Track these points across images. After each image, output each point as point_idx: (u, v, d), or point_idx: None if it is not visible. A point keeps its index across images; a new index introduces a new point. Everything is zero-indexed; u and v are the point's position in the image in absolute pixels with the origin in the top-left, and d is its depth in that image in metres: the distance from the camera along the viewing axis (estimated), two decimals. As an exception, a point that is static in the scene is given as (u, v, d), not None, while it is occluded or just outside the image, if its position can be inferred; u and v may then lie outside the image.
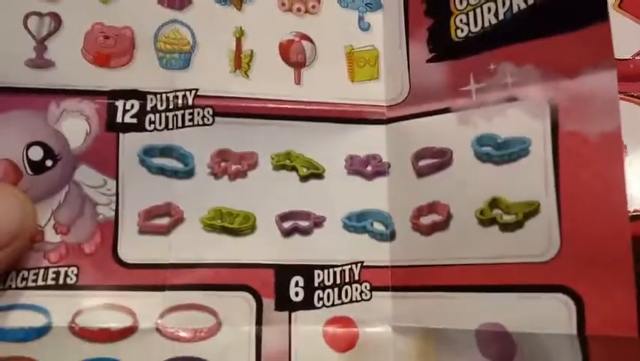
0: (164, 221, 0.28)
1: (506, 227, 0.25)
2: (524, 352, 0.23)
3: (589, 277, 0.22)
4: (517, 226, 0.24)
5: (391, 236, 0.29)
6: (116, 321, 0.26)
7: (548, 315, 0.22)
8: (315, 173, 0.29)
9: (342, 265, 0.28)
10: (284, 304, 0.27)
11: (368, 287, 0.28)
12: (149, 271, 0.27)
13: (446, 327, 0.25)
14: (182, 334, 0.26)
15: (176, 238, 0.28)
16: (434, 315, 0.26)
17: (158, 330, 0.26)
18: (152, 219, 0.28)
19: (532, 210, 0.24)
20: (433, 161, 0.27)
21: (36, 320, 0.26)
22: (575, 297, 0.22)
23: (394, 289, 0.28)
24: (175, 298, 0.27)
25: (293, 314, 0.27)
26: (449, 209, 0.27)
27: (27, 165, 0.27)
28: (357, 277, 0.28)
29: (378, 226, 0.29)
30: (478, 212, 0.25)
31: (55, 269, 0.26)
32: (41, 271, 0.26)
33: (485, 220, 0.25)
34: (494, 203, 0.25)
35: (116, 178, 0.28)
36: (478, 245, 0.25)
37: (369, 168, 0.29)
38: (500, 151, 0.25)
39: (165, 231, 0.28)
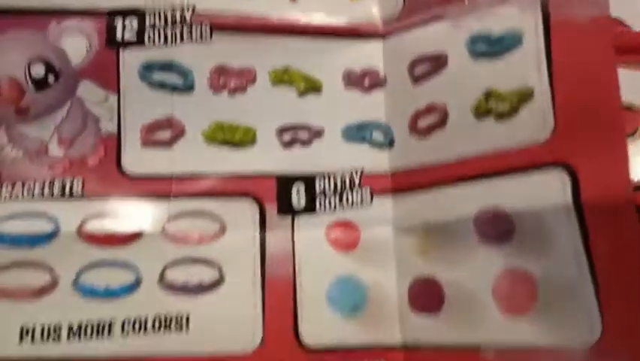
0: (166, 135, 0.28)
1: (501, 116, 0.25)
2: (522, 228, 0.24)
3: (582, 149, 0.23)
4: (512, 113, 0.25)
5: (390, 144, 0.29)
6: (123, 227, 0.27)
7: (545, 191, 0.23)
8: (313, 88, 0.30)
9: (342, 173, 0.29)
10: (286, 209, 0.28)
11: (369, 192, 0.29)
12: (154, 182, 0.27)
13: (445, 219, 0.26)
14: (188, 237, 0.27)
15: (178, 151, 0.28)
16: (434, 210, 0.26)
17: (164, 235, 0.27)
18: (154, 133, 0.28)
19: (526, 96, 0.25)
20: (428, 66, 0.28)
21: (44, 227, 0.26)
22: (570, 170, 0.23)
23: (395, 192, 0.28)
24: (180, 206, 0.27)
25: (295, 219, 0.28)
26: (446, 108, 0.27)
27: (30, 82, 0.27)
28: (357, 183, 0.29)
29: (377, 136, 0.29)
30: (474, 106, 0.26)
31: (61, 180, 0.27)
32: (47, 183, 0.27)
33: (481, 113, 0.26)
34: (489, 95, 0.26)
35: (118, 93, 0.28)
36: (475, 138, 0.26)
37: (366, 82, 0.30)
38: (494, 47, 0.26)
39: (167, 144, 0.28)
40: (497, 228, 0.24)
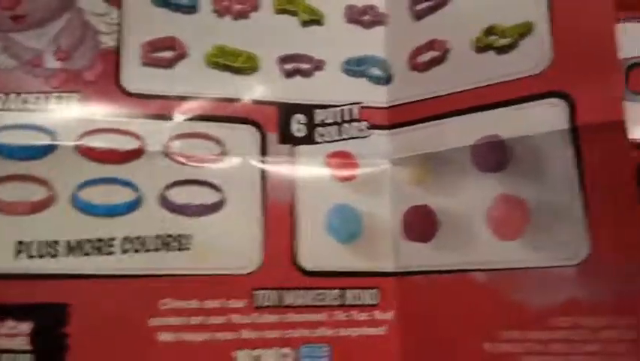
0: (168, 54, 0.28)
1: (502, 50, 0.26)
2: (517, 155, 0.25)
3: (579, 78, 0.24)
4: (512, 47, 0.26)
5: (388, 80, 0.30)
6: (123, 143, 0.26)
7: (541, 118, 0.24)
8: (315, 19, 0.30)
9: (341, 106, 0.29)
10: (287, 138, 0.28)
11: (366, 125, 0.29)
12: (154, 100, 0.27)
13: (443, 149, 0.27)
14: (190, 158, 0.27)
15: (179, 71, 0.28)
16: (431, 141, 0.27)
17: (165, 153, 0.27)
18: (155, 52, 0.28)
19: (525, 30, 0.26)
20: (430, 3, 0.29)
21: (41, 139, 0.25)
22: (567, 98, 0.24)
23: (392, 126, 0.29)
24: (181, 127, 0.27)
25: (296, 148, 0.28)
26: (446, 44, 0.28)
27: (25, -12, 0.26)
28: (356, 116, 0.29)
29: (376, 71, 0.30)
30: (475, 41, 0.27)
31: (58, 94, 0.26)
32: (43, 96, 0.26)
33: (482, 47, 0.27)
34: (490, 30, 0.27)
35: (120, 7, 0.27)
36: (475, 71, 0.27)
37: (366, 17, 0.30)
38: (496, -17, 0.27)
39: (168, 64, 0.28)
40: (493, 156, 0.26)
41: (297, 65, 0.29)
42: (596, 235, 0.23)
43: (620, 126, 0.23)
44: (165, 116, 0.27)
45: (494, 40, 0.27)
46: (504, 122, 0.26)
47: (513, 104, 0.26)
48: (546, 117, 0.24)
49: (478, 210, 0.26)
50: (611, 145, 0.23)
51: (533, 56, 0.25)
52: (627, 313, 0.22)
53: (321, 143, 0.29)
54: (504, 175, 0.26)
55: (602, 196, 0.23)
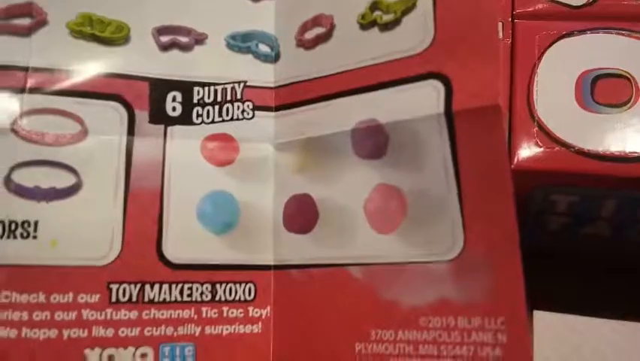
0: (25, 22, 0.25)
1: (385, 27, 0.24)
2: (396, 141, 0.23)
3: (458, 60, 0.22)
4: (395, 23, 0.24)
5: (276, 57, 0.28)
6: (-37, 119, 0.24)
7: (419, 101, 0.22)
8: (198, -11, 0.27)
9: (223, 84, 0.27)
10: (159, 117, 0.26)
11: (250, 106, 0.27)
12: (6, 72, 0.24)
13: (325, 133, 0.25)
14: (43, 137, 0.24)
15: (38, 40, 0.25)
16: (314, 125, 0.25)
17: (14, 131, 0.24)
18: (10, 19, 0.25)
19: (409, 5, 0.24)
20: (318, -24, 0.27)
21: None
22: (445, 80, 0.22)
23: (277, 108, 0.27)
24: (36, 101, 0.24)
25: (169, 128, 0.26)
26: (332, 20, 0.26)
27: None
28: (239, 96, 0.27)
29: (264, 48, 0.28)
30: (360, 17, 0.25)
31: None
32: None
33: (366, 24, 0.25)
34: (375, 5, 0.25)
35: (-35, -33, 0.25)
36: (359, 50, 0.25)
37: (255, -11, 0.28)
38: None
39: (25, 32, 0.25)
40: (372, 142, 0.23)
41: (174, 38, 0.27)
42: (469, 228, 0.21)
43: (494, 111, 0.21)
44: (18, 89, 0.24)
45: (378, 16, 0.24)
46: (383, 105, 0.23)
47: (393, 86, 0.23)
48: (424, 101, 0.22)
49: (356, 199, 0.24)
50: (485, 132, 0.21)
51: (415, 35, 0.23)
52: (499, 315, 0.21)
53: (198, 124, 0.26)
54: (383, 163, 0.24)
55: (476, 187, 0.21)
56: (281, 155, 0.26)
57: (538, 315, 0.27)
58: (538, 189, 0.27)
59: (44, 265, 0.23)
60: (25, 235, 0.23)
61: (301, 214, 0.25)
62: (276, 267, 0.26)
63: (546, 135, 0.25)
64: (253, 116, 0.27)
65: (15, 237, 0.23)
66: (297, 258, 0.25)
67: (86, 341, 0.23)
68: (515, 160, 0.25)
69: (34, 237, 0.23)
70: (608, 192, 0.26)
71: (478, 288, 0.21)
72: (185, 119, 0.26)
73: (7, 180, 0.23)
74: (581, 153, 0.25)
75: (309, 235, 0.25)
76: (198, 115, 0.26)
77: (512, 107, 0.26)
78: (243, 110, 0.27)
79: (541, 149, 0.25)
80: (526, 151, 0.25)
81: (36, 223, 0.23)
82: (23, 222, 0.23)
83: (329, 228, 0.25)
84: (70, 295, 0.23)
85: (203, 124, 0.26)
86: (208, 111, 0.27)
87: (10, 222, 0.23)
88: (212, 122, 0.27)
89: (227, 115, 0.27)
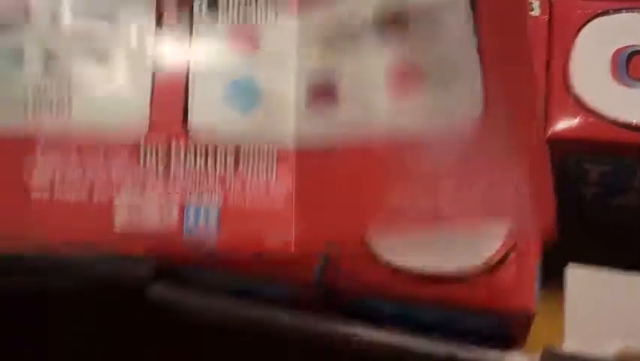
0: None
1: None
2: (417, 18, 0.24)
3: None
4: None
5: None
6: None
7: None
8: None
9: None
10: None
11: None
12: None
13: (346, 23, 0.25)
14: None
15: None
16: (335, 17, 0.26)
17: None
18: None
19: None
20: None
21: None
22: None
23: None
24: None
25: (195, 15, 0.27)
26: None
27: None
28: None
29: None
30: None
31: None
32: None
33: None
34: None
35: None
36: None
37: None
38: None
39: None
40: (394, 21, 0.25)
41: None
42: (489, 91, 0.22)
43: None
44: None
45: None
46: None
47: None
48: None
49: (376, 74, 0.24)
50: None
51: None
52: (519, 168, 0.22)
53: (224, 13, 0.27)
54: (403, 39, 0.24)
55: (496, 51, 0.22)
56: (304, 46, 0.27)
57: (571, 270, 0.27)
58: (571, 157, 0.27)
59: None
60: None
61: (323, 94, 0.26)
62: (298, 144, 0.26)
63: (581, 107, 0.27)
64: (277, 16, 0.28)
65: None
66: (319, 135, 0.26)
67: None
68: (551, 130, 0.26)
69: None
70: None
71: (499, 148, 0.22)
72: (211, 6, 0.27)
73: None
74: (616, 123, 0.26)
75: (330, 112, 0.26)
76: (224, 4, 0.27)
77: (549, 81, 0.27)
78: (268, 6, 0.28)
79: (577, 119, 0.26)
80: (562, 122, 0.27)
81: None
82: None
83: (350, 103, 0.26)
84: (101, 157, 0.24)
85: (229, 13, 0.27)
86: (234, 1, 0.28)
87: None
88: (238, 14, 0.27)
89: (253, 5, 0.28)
